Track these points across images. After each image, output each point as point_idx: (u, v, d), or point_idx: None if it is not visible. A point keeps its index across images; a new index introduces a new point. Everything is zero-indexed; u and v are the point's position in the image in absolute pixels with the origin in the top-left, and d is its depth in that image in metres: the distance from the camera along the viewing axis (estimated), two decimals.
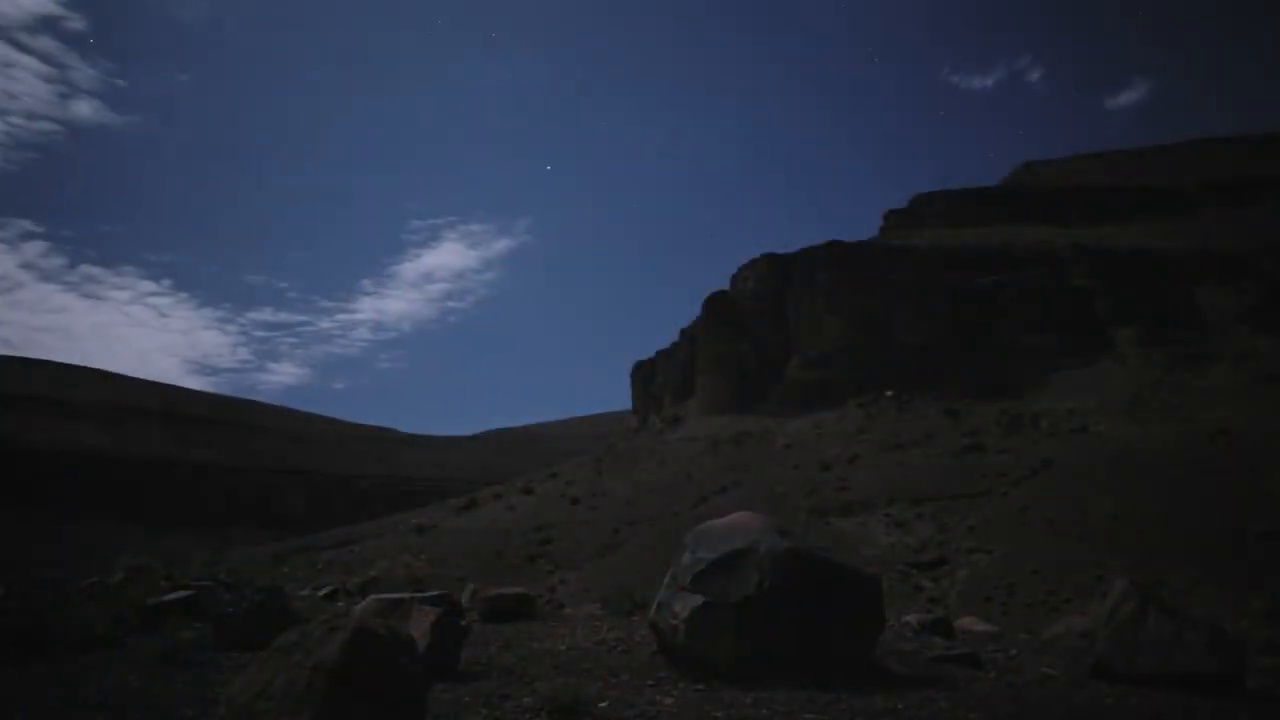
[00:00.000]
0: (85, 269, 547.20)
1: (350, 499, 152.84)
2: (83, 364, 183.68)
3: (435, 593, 8.23)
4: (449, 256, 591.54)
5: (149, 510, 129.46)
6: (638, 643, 8.44)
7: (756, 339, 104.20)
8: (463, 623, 7.50)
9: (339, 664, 3.83)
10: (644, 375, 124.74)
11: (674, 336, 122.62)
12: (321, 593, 15.20)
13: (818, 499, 60.84)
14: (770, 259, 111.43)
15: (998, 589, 41.73)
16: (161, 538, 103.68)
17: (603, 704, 5.96)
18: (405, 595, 7.67)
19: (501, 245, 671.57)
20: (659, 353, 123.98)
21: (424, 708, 4.37)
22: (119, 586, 12.78)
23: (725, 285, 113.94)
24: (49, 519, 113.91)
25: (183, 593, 10.97)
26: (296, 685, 3.86)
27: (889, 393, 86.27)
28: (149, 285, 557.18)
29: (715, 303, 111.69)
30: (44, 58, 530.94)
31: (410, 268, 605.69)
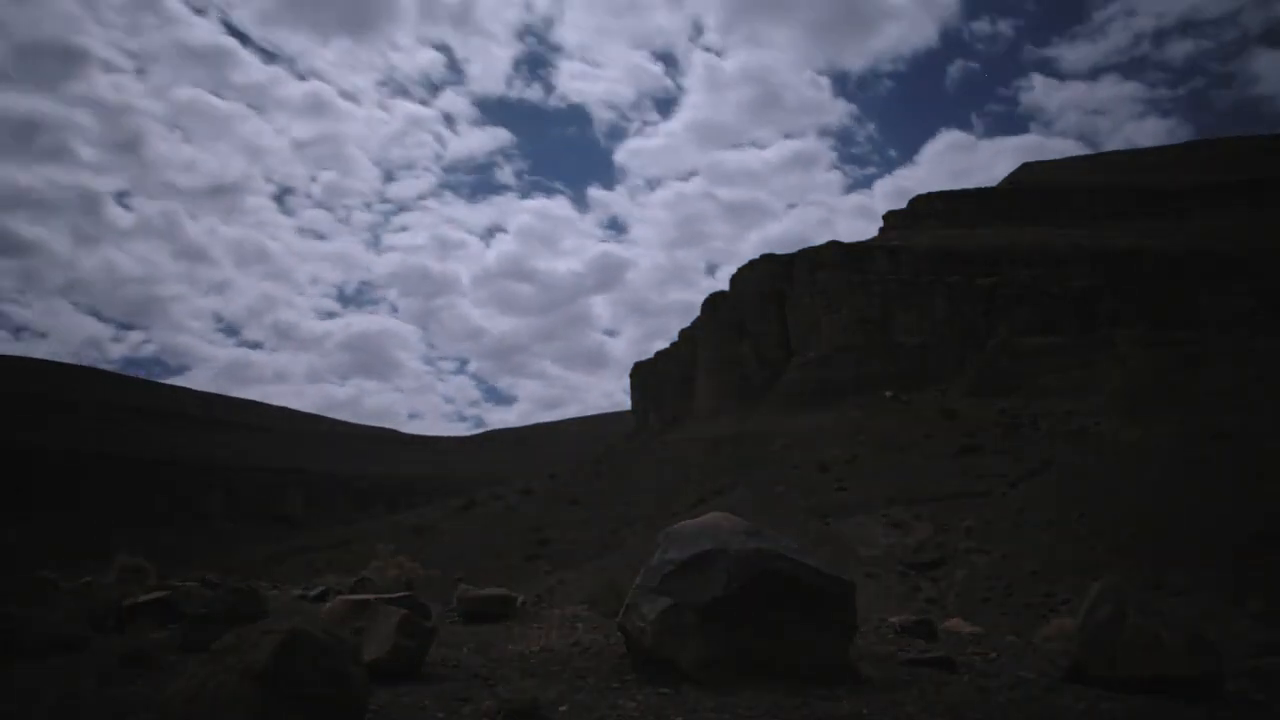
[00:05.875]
0: None
1: (350, 499, 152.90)
2: (82, 364, 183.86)
3: (403, 593, 8.14)
4: None
5: (149, 510, 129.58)
6: (612, 645, 8.33)
7: (756, 339, 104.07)
8: (429, 624, 7.39)
9: (267, 668, 3.73)
10: (644, 375, 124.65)
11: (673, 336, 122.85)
12: (313, 594, 15.03)
13: (816, 499, 60.68)
14: (770, 259, 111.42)
15: (996, 590, 41.59)
16: (161, 538, 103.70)
17: (562, 708, 5.84)
18: (371, 596, 7.57)
19: None
20: (659, 353, 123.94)
21: (362, 712, 4.27)
22: (109, 587, 12.66)
23: (725, 285, 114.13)
24: (49, 519, 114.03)
25: (158, 593, 10.82)
26: (226, 689, 3.77)
27: (888, 393, 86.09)
28: None
29: (715, 303, 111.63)
30: None
31: None
